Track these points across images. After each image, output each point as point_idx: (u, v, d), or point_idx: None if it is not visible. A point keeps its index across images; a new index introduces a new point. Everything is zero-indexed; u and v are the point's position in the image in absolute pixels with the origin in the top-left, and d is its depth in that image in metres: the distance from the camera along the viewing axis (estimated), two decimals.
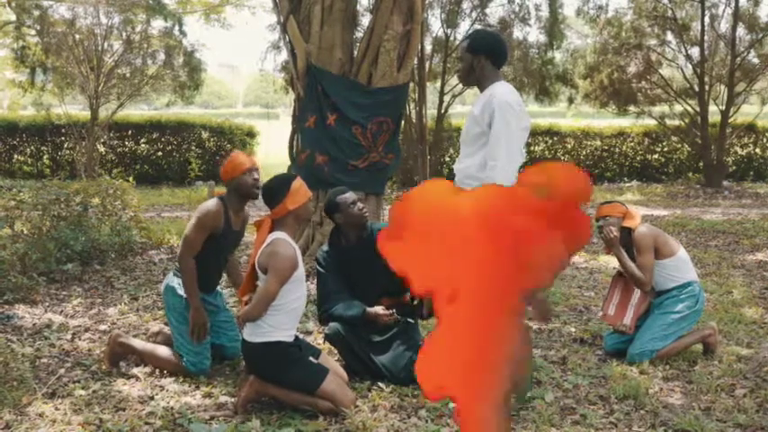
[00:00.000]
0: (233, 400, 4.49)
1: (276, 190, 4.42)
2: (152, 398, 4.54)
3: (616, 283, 5.64)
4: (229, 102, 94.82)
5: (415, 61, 8.42)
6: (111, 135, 18.30)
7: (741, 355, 5.43)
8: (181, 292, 4.91)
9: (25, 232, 7.82)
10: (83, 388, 4.67)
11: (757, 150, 19.94)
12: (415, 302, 5.05)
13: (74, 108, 20.89)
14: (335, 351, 5.09)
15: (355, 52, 8.25)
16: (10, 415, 4.22)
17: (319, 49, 7.98)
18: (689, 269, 5.46)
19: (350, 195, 4.97)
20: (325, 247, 5.16)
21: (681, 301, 5.34)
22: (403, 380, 4.74)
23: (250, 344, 4.34)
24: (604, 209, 5.50)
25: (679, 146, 19.57)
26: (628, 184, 19.12)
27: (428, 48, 16.75)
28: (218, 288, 5.30)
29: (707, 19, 17.33)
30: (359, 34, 9.93)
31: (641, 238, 5.34)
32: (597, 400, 4.59)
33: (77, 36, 16.82)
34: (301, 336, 5.76)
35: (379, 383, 4.74)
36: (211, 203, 4.90)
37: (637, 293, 5.48)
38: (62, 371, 5.00)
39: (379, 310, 4.88)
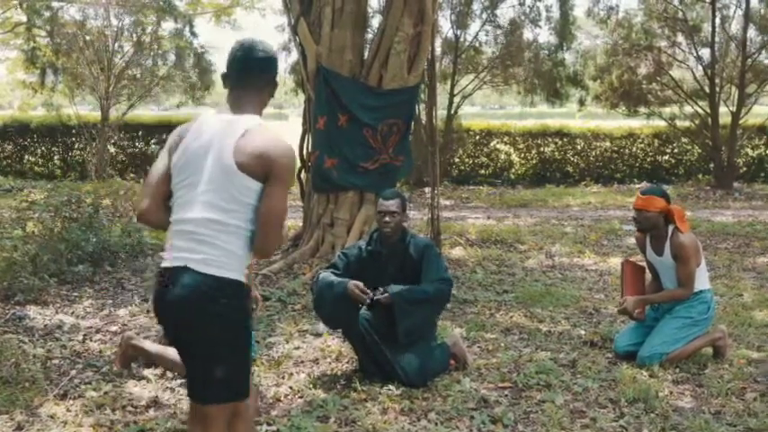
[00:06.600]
0: None
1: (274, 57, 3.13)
2: (162, 400, 4.56)
3: (628, 273, 5.58)
4: None
5: (426, 63, 8.39)
6: (122, 136, 18.37)
7: (751, 359, 5.41)
8: None
9: (37, 233, 7.86)
10: (94, 389, 4.68)
11: None
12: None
13: (84, 109, 20.98)
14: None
15: (366, 54, 8.26)
16: (21, 416, 4.25)
17: (330, 51, 7.99)
18: (705, 278, 5.46)
19: (383, 204, 5.01)
20: (361, 243, 5.23)
21: (693, 308, 5.33)
22: (414, 383, 4.74)
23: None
24: (640, 201, 5.31)
25: (689, 147, 19.49)
26: (637, 186, 19.04)
27: (438, 49, 16.74)
28: None
29: (717, 20, 17.25)
30: (369, 36, 9.94)
31: (689, 246, 5.23)
32: (607, 403, 4.58)
33: (88, 37, 16.92)
34: (312, 337, 5.79)
35: (390, 386, 4.74)
36: None
37: (647, 285, 5.58)
38: (73, 372, 5.03)
39: (357, 287, 4.77)
